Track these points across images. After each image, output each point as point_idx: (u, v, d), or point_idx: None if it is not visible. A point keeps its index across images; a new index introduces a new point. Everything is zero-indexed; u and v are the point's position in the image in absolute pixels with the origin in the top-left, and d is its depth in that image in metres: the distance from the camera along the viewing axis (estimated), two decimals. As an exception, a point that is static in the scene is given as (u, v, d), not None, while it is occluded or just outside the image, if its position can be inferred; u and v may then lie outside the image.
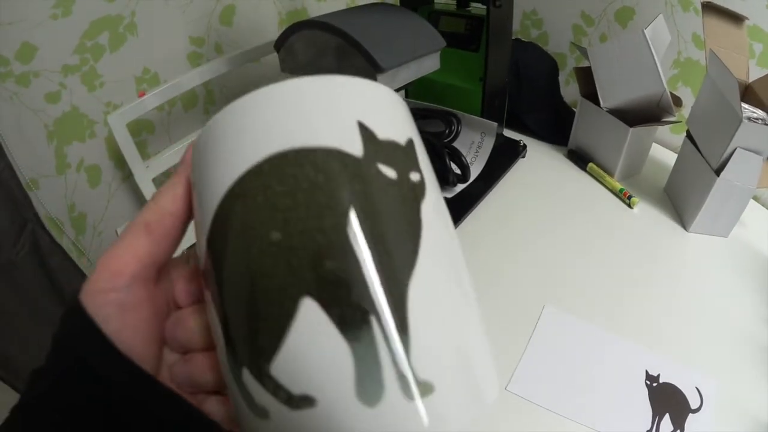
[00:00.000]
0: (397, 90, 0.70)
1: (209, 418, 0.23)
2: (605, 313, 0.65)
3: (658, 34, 0.81)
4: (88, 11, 0.79)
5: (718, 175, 0.71)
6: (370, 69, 0.63)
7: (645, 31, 0.76)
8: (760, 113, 0.71)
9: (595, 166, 0.88)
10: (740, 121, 0.66)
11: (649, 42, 0.76)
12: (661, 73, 0.77)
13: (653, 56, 0.76)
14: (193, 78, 0.86)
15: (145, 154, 0.92)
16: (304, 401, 0.17)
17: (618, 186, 0.84)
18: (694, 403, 0.55)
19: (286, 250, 0.18)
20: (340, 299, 0.17)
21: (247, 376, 0.18)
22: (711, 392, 0.55)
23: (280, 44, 0.73)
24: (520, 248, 0.75)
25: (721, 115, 0.71)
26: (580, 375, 0.58)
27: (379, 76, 0.63)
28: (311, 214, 0.18)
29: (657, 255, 0.75)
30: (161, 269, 0.24)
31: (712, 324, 0.64)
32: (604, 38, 1.02)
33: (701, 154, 0.75)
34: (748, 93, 0.76)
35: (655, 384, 0.56)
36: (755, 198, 0.87)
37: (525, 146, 0.91)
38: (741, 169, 0.69)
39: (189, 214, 0.23)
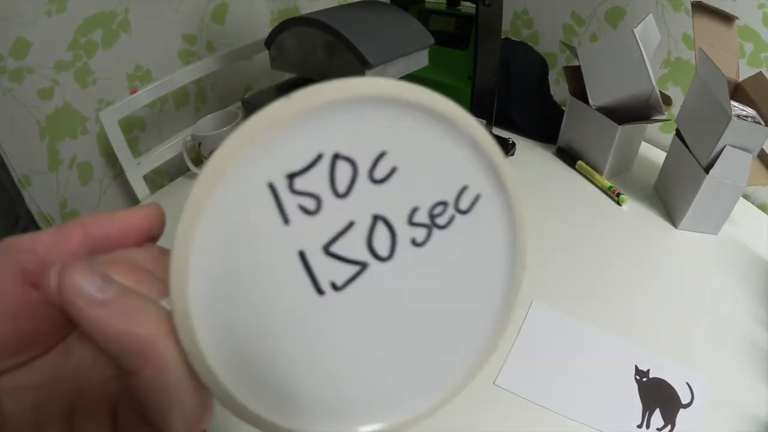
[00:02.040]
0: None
1: None
2: (594, 309, 0.65)
3: (647, 33, 0.81)
4: (82, 8, 0.79)
5: (707, 173, 0.71)
6: (358, 65, 0.63)
7: (635, 30, 0.77)
8: (749, 111, 0.71)
9: (584, 164, 0.89)
10: (729, 119, 0.66)
11: (639, 41, 0.77)
12: (650, 72, 0.77)
13: (642, 54, 0.77)
14: (184, 75, 0.87)
15: (136, 151, 0.92)
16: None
17: (607, 183, 0.85)
18: (684, 398, 0.55)
19: None
20: None
21: None
22: (701, 387, 0.56)
23: (270, 41, 0.73)
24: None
25: (711, 113, 0.71)
26: (569, 370, 0.58)
27: (367, 72, 0.64)
28: None
29: (646, 252, 0.75)
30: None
31: (701, 320, 0.64)
32: (594, 38, 1.02)
33: (690, 152, 0.76)
34: (738, 92, 0.76)
35: (645, 379, 0.56)
36: (745, 196, 0.88)
37: (514, 144, 0.91)
38: (730, 166, 0.70)
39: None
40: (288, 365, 0.18)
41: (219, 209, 0.16)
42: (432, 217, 0.19)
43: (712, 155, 0.70)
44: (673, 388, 0.56)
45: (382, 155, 0.17)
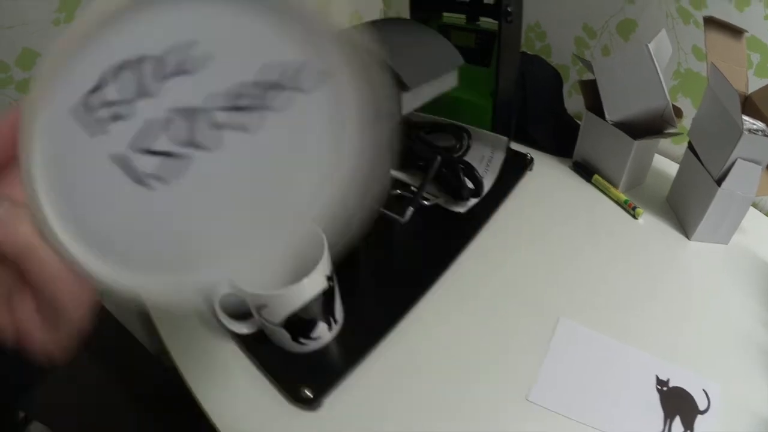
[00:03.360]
0: (417, 109, 0.70)
1: None
2: (615, 322, 0.67)
3: (660, 47, 0.82)
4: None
5: (719, 185, 0.72)
6: (395, 87, 0.62)
7: (649, 45, 0.78)
8: (759, 125, 0.72)
9: (600, 178, 0.90)
10: (741, 133, 0.68)
11: (653, 56, 0.78)
12: (665, 87, 0.78)
13: (657, 70, 0.78)
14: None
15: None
16: None
17: (623, 197, 0.86)
18: (702, 405, 0.57)
19: None
20: None
21: None
22: (717, 394, 0.58)
23: None
24: (532, 261, 0.77)
25: (723, 127, 0.72)
26: (596, 383, 0.60)
27: (405, 95, 0.63)
28: None
29: (662, 264, 0.77)
30: None
31: (716, 329, 0.67)
32: (606, 50, 1.03)
33: (703, 165, 0.77)
34: (747, 104, 0.77)
35: (665, 388, 0.59)
36: (753, 204, 0.90)
37: (532, 159, 0.92)
38: (742, 179, 0.72)
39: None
40: (130, 239, 0.21)
41: (40, 137, 0.18)
42: (256, 100, 0.19)
43: (724, 168, 0.72)
44: (691, 396, 0.58)
45: (192, 45, 0.17)
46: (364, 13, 1.19)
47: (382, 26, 0.72)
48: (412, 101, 0.66)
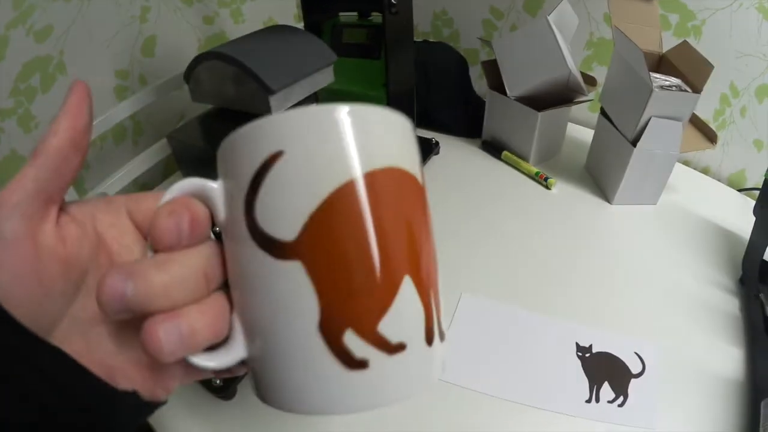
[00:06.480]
0: (293, 105, 0.73)
1: (97, 376, 0.23)
2: (534, 295, 0.65)
3: (564, 18, 0.82)
4: (20, 54, 0.80)
5: (634, 146, 0.71)
6: (262, 92, 0.66)
7: (549, 17, 0.77)
8: (673, 80, 0.71)
9: (509, 154, 0.89)
10: (651, 91, 0.67)
11: (553, 26, 0.77)
12: (566, 55, 0.78)
13: (557, 40, 0.77)
14: (120, 111, 0.88)
15: (82, 190, 0.95)
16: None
17: (533, 170, 0.84)
18: (635, 369, 0.55)
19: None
20: None
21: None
22: (653, 355, 0.56)
23: (188, 75, 0.77)
24: (441, 243, 0.75)
25: (632, 88, 0.71)
26: (510, 356, 0.58)
27: (272, 98, 0.67)
28: None
29: (581, 231, 0.75)
30: (49, 204, 0.22)
31: (647, 290, 0.65)
32: (514, 29, 1.02)
33: (616, 128, 0.76)
34: (663, 63, 0.77)
35: (587, 355, 0.57)
36: (686, 162, 0.88)
37: (437, 143, 0.91)
38: (659, 137, 0.70)
39: (73, 147, 0.23)
40: None
41: None
42: None
43: (638, 128, 0.71)
44: (620, 360, 0.56)
45: None
46: (278, 19, 1.22)
47: (258, 36, 0.76)
48: (283, 102, 0.70)
